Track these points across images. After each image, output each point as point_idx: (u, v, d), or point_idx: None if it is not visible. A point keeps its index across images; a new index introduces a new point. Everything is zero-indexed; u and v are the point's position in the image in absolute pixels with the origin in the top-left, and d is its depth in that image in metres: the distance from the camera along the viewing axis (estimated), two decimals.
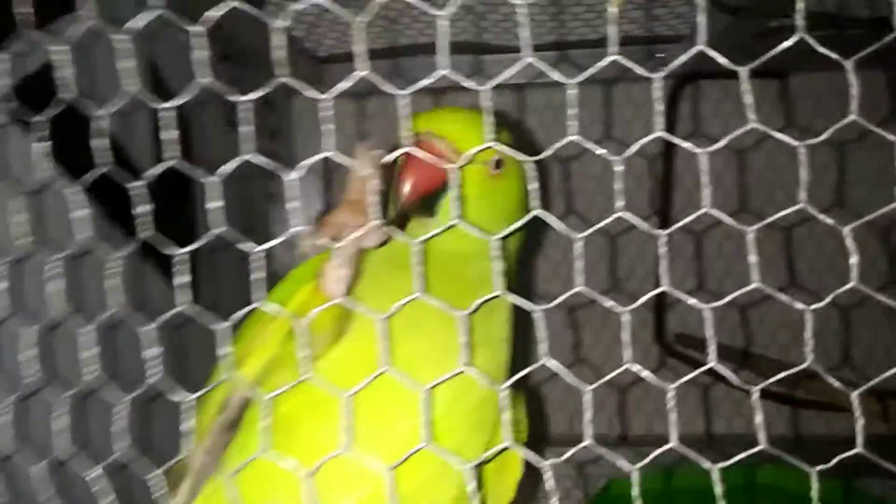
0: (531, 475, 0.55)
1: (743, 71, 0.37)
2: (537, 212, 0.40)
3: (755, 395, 0.41)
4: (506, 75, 0.39)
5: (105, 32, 0.44)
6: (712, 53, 0.37)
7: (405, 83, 0.41)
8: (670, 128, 1.11)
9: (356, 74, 0.40)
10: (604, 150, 0.41)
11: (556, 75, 0.39)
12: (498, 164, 0.55)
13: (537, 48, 1.13)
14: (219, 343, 0.43)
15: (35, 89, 0.55)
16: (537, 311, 0.41)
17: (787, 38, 0.37)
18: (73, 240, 0.47)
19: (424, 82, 0.41)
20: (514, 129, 0.59)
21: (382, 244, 0.45)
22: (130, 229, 0.71)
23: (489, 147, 0.46)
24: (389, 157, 0.43)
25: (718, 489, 0.40)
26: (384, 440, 0.46)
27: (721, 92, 1.18)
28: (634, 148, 0.39)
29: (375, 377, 0.41)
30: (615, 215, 0.40)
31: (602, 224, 0.41)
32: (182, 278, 0.42)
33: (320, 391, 0.42)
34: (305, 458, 0.43)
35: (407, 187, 0.51)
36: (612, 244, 1.20)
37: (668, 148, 1.15)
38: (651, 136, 0.39)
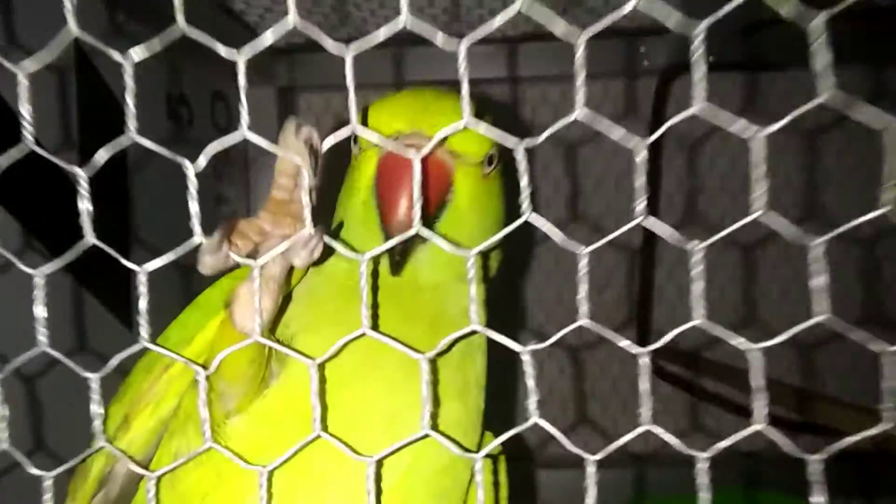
0: None
1: (819, 18, 0.27)
2: (529, 216, 0.29)
3: (815, 466, 0.30)
4: (489, 28, 0.28)
5: None
6: None
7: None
8: (658, 126, 0.99)
9: (287, 21, 0.30)
10: (622, 132, 0.30)
11: (557, 27, 0.28)
12: (490, 160, 0.43)
13: (511, 39, 1.02)
14: (93, 398, 0.31)
15: None
16: (526, 351, 0.30)
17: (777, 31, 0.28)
18: None
19: (381, 35, 0.30)
20: (505, 119, 0.47)
21: (320, 261, 0.34)
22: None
23: (482, 140, 0.35)
24: (330, 141, 0.31)
25: None
26: None
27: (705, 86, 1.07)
28: (667, 126, 0.28)
29: (305, 445, 0.30)
30: (636, 221, 0.29)
31: (617, 233, 0.30)
32: (39, 308, 0.31)
33: (233, 461, 0.31)
34: None
35: (402, 210, 0.37)
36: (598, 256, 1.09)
37: (655, 147, 1.04)
38: (690, 111, 0.28)
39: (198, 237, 0.30)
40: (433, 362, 0.30)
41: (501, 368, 0.44)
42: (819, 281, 0.29)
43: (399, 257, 0.38)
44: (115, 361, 0.30)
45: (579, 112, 0.28)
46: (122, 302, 0.74)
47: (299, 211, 0.32)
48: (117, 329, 0.73)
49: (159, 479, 0.31)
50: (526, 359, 0.30)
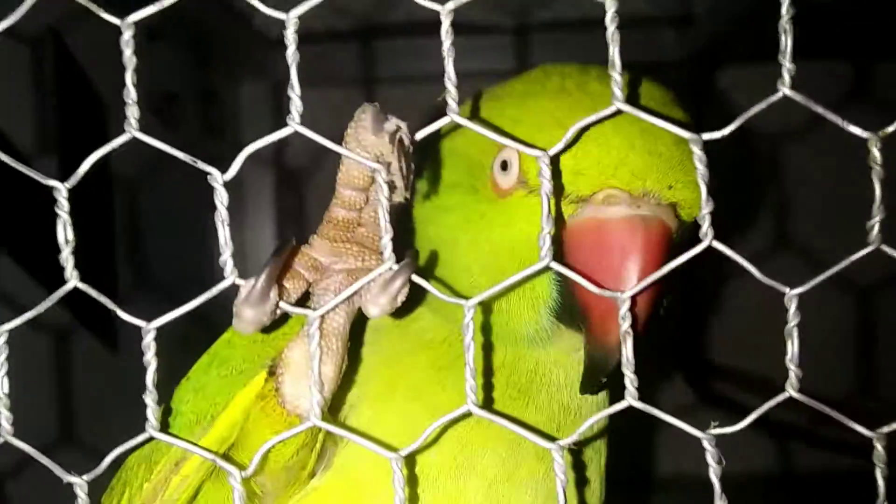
0: None
1: None
2: (712, 241, 0.20)
3: None
4: None
5: None
6: None
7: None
8: (699, 120, 0.86)
9: None
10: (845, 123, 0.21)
11: None
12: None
13: (501, 30, 0.94)
14: None
15: None
16: (709, 438, 0.21)
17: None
18: None
19: None
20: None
21: (400, 311, 0.23)
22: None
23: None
24: (423, 134, 0.21)
25: None
26: None
27: (735, 80, 0.95)
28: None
29: None
30: (868, 248, 0.20)
31: (845, 263, 0.21)
32: None
33: None
34: None
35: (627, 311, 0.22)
36: None
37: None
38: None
39: (231, 277, 0.21)
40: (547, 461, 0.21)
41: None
42: None
43: (608, 377, 0.27)
44: (108, 459, 0.21)
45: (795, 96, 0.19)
46: (104, 321, 0.64)
47: (371, 237, 0.23)
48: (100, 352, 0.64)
49: None
50: (710, 448, 0.21)
